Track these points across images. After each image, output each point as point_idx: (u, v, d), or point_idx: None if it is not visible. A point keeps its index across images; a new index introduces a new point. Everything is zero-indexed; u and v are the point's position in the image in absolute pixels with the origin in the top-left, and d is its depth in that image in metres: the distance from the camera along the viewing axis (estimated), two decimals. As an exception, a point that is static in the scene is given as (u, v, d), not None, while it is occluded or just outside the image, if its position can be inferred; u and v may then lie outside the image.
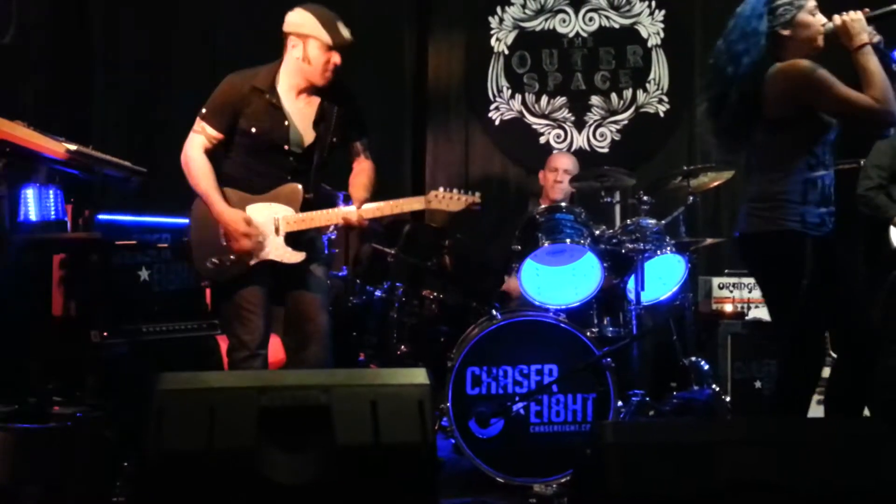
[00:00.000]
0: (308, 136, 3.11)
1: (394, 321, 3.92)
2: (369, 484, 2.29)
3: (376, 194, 3.20)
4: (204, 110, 3.08)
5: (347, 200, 3.33)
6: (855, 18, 2.71)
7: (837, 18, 2.74)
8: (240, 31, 5.08)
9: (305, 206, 3.07)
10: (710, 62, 2.94)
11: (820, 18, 2.79)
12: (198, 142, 3.07)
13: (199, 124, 3.08)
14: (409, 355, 3.88)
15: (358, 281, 4.19)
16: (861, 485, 2.29)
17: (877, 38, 2.71)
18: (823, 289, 2.79)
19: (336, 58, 3.02)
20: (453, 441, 3.39)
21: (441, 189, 3.16)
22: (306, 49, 3.01)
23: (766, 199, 2.81)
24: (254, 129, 3.04)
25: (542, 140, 5.20)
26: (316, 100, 3.11)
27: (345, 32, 3.03)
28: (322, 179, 3.26)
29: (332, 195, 3.75)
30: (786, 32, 2.77)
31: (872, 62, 2.68)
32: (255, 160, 3.08)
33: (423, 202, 3.15)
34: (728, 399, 3.98)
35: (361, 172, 3.21)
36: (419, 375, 2.46)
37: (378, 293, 4.03)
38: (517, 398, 3.34)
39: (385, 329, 3.96)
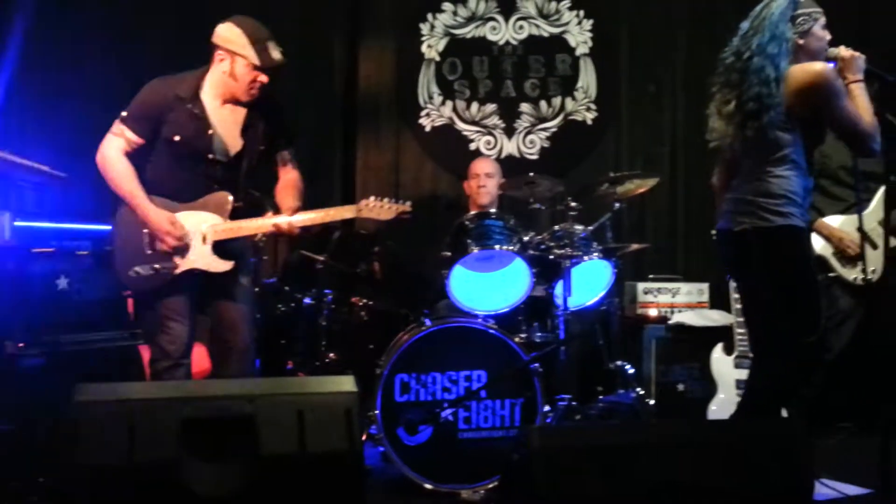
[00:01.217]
0: (235, 144, 3.07)
1: (322, 328, 3.89)
2: (295, 493, 2.28)
3: (306, 200, 3.18)
4: (125, 114, 3.02)
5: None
6: (859, 56, 2.94)
7: (846, 51, 2.95)
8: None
9: (234, 214, 3.03)
10: (729, 61, 3.02)
11: (827, 35, 2.99)
12: (115, 144, 3.00)
13: (119, 127, 3.01)
14: (338, 363, 3.85)
15: (286, 288, 4.15)
16: (779, 483, 2.36)
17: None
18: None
19: (263, 77, 2.99)
20: (382, 449, 3.38)
21: (372, 198, 3.15)
22: (233, 66, 2.98)
23: (777, 195, 2.92)
24: (177, 138, 2.99)
25: (473, 147, 5.23)
26: (242, 108, 3.08)
27: (275, 54, 3.00)
28: (251, 187, 3.22)
29: (262, 202, 3.71)
30: (801, 41, 2.94)
31: (866, 97, 2.91)
32: (180, 168, 3.03)
33: (355, 211, 3.15)
34: (652, 402, 4.06)
35: (289, 182, 3.19)
36: (346, 383, 2.45)
37: (307, 300, 4.00)
38: (446, 405, 3.34)
39: (314, 336, 3.93)
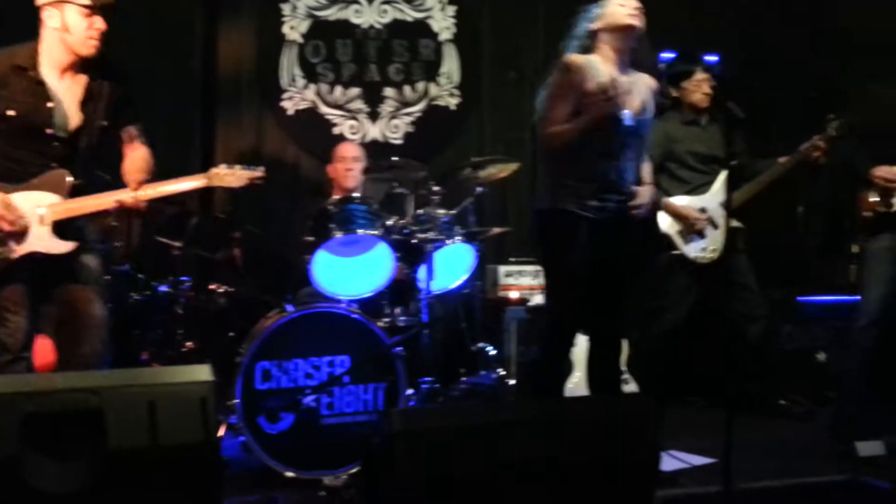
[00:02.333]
0: (74, 118, 2.89)
1: (179, 317, 3.77)
2: (147, 488, 2.20)
3: (157, 179, 3.04)
4: None
5: None
6: None
7: None
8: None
9: (74, 192, 2.86)
10: None
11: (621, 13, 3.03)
12: None
13: None
14: (197, 352, 3.75)
15: (140, 276, 3.99)
16: (628, 455, 2.47)
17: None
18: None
19: (99, 22, 2.81)
20: (242, 438, 3.31)
21: (222, 165, 3.04)
22: (64, 16, 2.79)
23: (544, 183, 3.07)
24: (11, 112, 2.79)
25: (337, 131, 5.18)
26: (83, 78, 2.90)
27: None
28: (96, 166, 3.05)
29: (114, 185, 3.54)
30: (596, 26, 3.05)
31: None
32: (14, 147, 2.83)
33: (204, 179, 3.02)
34: (513, 382, 4.15)
35: (137, 157, 3.03)
36: (202, 372, 2.38)
37: (162, 288, 3.87)
38: (308, 391, 3.31)
39: (170, 325, 3.80)
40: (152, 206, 3.00)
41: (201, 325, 3.84)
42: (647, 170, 3.19)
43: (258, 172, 3.05)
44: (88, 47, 2.83)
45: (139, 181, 2.92)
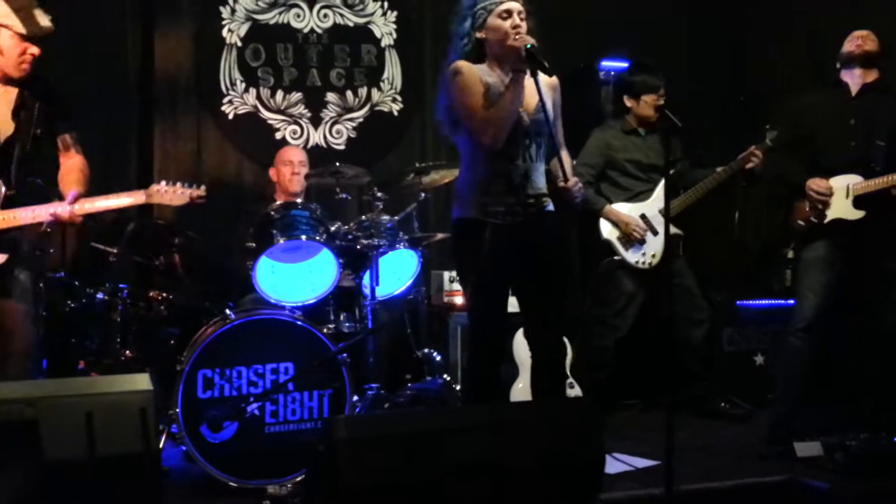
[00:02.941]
0: (6, 126, 2.82)
1: (117, 325, 3.68)
2: (85, 500, 2.14)
3: (96, 190, 2.98)
4: None
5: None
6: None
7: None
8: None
9: (7, 203, 2.78)
10: None
11: (505, 24, 2.98)
12: None
13: None
14: (136, 360, 3.66)
15: (76, 283, 3.88)
16: (574, 459, 2.49)
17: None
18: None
19: (33, 49, 2.77)
20: (184, 448, 3.24)
21: (163, 182, 2.99)
22: None
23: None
24: None
25: (279, 136, 5.12)
26: (14, 88, 2.83)
27: (43, 21, 2.78)
28: (29, 175, 2.97)
29: (47, 192, 3.44)
30: (480, 35, 3.00)
31: (514, 88, 2.90)
32: None
33: (144, 196, 2.97)
34: (458, 388, 4.15)
35: (73, 167, 2.97)
36: (141, 381, 2.34)
37: (99, 295, 3.76)
38: (252, 399, 3.26)
39: (108, 334, 3.70)
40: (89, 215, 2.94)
41: (140, 333, 3.75)
42: (566, 163, 3.11)
43: (199, 191, 3.01)
44: (20, 71, 2.80)
45: (76, 195, 2.86)
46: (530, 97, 2.94)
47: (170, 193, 2.97)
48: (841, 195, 3.54)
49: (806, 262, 3.65)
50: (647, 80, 4.33)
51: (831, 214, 3.56)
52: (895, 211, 3.51)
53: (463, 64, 2.97)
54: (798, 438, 3.49)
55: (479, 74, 2.98)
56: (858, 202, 3.52)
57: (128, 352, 3.69)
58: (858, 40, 3.61)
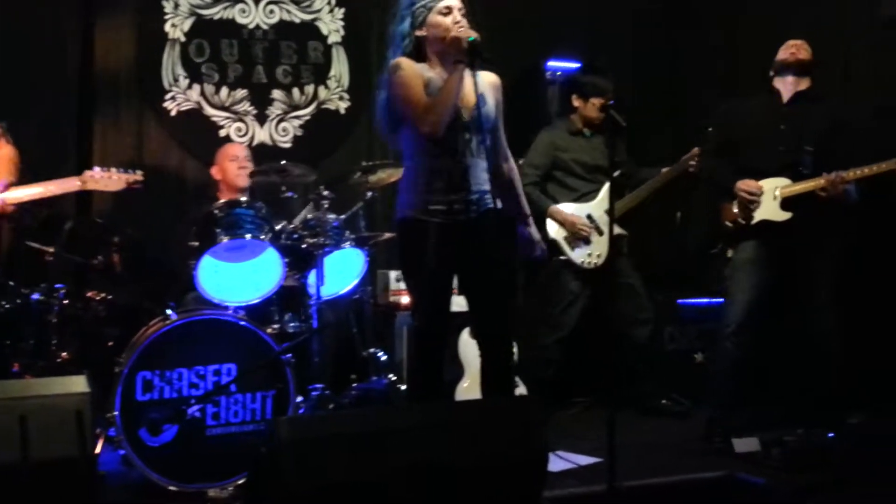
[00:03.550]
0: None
1: (53, 326, 3.59)
2: (17, 507, 2.09)
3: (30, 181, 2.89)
4: None
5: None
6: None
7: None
8: None
9: None
10: None
11: (447, 20, 2.99)
12: None
13: None
14: (73, 362, 3.58)
15: (11, 283, 3.77)
16: (517, 457, 2.50)
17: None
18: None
19: None
20: (122, 452, 3.18)
21: (97, 168, 2.91)
22: None
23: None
24: None
25: (223, 133, 5.04)
26: None
27: None
28: None
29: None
30: (420, 33, 3.01)
31: (454, 79, 2.90)
32: None
33: (78, 183, 2.88)
34: (404, 387, 4.15)
35: (2, 158, 2.88)
36: (78, 384, 2.29)
37: (35, 296, 3.66)
38: (192, 401, 3.21)
39: (43, 335, 3.61)
40: (23, 209, 2.85)
41: (77, 334, 3.66)
42: (519, 186, 3.21)
43: (136, 176, 2.94)
44: None
45: (6, 184, 2.77)
46: (469, 94, 2.94)
47: (105, 179, 2.89)
48: (769, 197, 3.63)
49: (735, 264, 3.73)
50: (598, 82, 4.38)
51: (759, 216, 3.65)
52: (822, 214, 3.60)
53: (403, 59, 2.99)
54: (736, 435, 3.57)
55: (419, 70, 2.99)
56: (786, 204, 3.60)
57: (64, 353, 3.60)
58: (793, 48, 3.70)
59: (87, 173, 2.86)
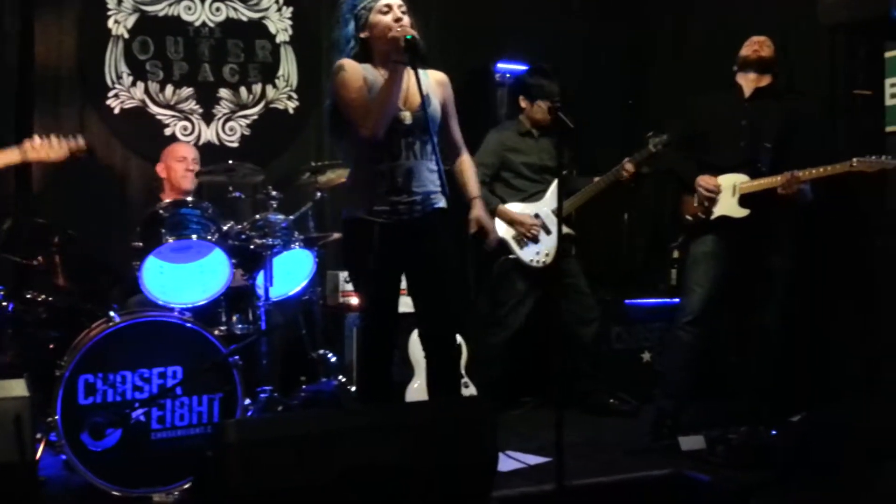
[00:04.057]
0: None
1: (-9, 329, 3.49)
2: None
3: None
4: None
5: None
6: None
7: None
8: None
9: None
10: None
11: (385, 19, 2.98)
12: None
13: None
14: (12, 366, 3.48)
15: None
16: (467, 458, 2.51)
17: None
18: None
19: None
20: (64, 457, 3.10)
21: (36, 137, 2.79)
22: None
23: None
24: None
25: (168, 132, 4.96)
26: None
27: None
28: None
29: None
30: (363, 35, 3.01)
31: (394, 80, 2.89)
32: None
33: (18, 153, 2.77)
34: (354, 389, 4.12)
35: None
36: (17, 387, 2.24)
37: (-29, 298, 3.56)
38: (137, 405, 3.15)
39: (-20, 338, 3.51)
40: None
41: (17, 337, 3.56)
42: (470, 177, 3.20)
43: (79, 143, 2.82)
44: None
45: None
46: (413, 95, 2.93)
47: (45, 148, 2.78)
48: (728, 193, 3.69)
49: (694, 258, 3.79)
50: (545, 85, 4.40)
51: (718, 211, 3.71)
52: (779, 212, 3.68)
53: (346, 61, 2.98)
54: (682, 433, 3.63)
55: (361, 71, 2.97)
56: (744, 201, 3.67)
57: (2, 356, 3.51)
58: (755, 45, 3.78)
59: (27, 143, 2.73)
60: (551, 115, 4.27)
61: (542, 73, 4.48)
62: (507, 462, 3.41)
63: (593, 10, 5.56)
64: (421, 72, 2.86)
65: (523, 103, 4.49)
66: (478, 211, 3.16)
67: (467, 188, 3.19)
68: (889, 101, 3.87)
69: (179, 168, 4.28)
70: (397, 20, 2.93)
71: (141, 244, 3.52)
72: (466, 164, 3.22)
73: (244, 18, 5.11)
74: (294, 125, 5.20)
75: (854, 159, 3.42)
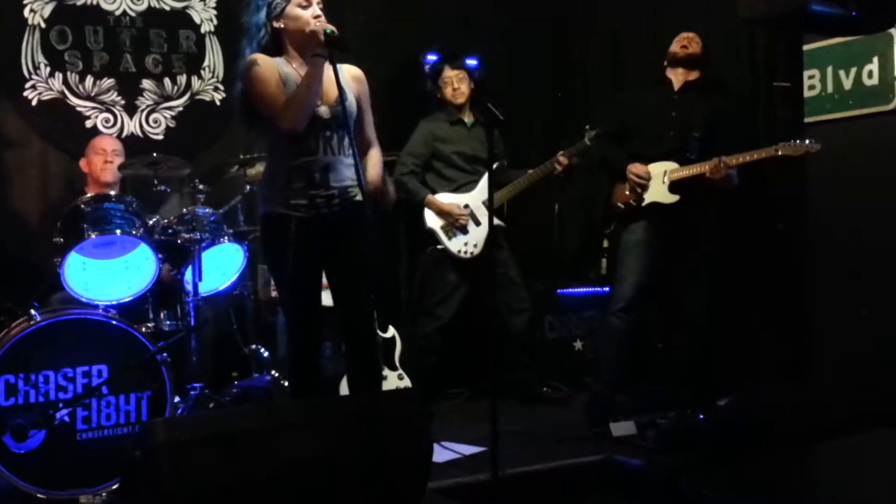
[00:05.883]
0: None
1: None
2: None
3: None
4: None
5: None
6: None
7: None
8: None
9: None
10: None
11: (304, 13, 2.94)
12: None
13: None
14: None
15: None
16: (401, 450, 2.50)
17: None
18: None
19: None
20: (-15, 460, 3.00)
21: None
22: None
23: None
24: None
25: (89, 124, 4.80)
26: None
27: None
28: None
29: None
30: (277, 25, 2.97)
31: (313, 72, 2.85)
32: None
33: None
34: (287, 383, 4.07)
35: None
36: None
37: None
38: (61, 405, 3.06)
39: None
40: None
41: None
42: (373, 162, 3.14)
43: None
44: None
45: None
46: (330, 89, 2.90)
47: None
48: (658, 180, 3.77)
49: (625, 245, 3.85)
50: (440, 64, 4.44)
51: (648, 198, 3.79)
52: (708, 198, 3.77)
53: (259, 56, 2.92)
54: (613, 419, 3.69)
55: (275, 66, 2.93)
56: (674, 187, 3.75)
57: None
58: (684, 42, 3.90)
59: None
60: (465, 97, 4.38)
61: (441, 54, 4.51)
62: (443, 453, 3.42)
63: (521, 3, 5.58)
64: (339, 66, 2.85)
65: (436, 89, 4.51)
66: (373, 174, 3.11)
67: (366, 173, 3.09)
68: (807, 93, 4.00)
69: (99, 160, 4.17)
70: (317, 16, 2.91)
71: (62, 240, 3.42)
72: (374, 160, 3.16)
73: (167, 8, 4.98)
74: (221, 117, 5.09)
75: (780, 143, 3.54)
